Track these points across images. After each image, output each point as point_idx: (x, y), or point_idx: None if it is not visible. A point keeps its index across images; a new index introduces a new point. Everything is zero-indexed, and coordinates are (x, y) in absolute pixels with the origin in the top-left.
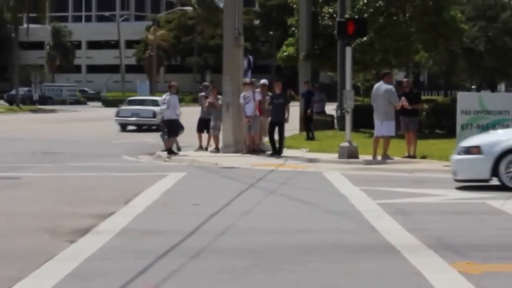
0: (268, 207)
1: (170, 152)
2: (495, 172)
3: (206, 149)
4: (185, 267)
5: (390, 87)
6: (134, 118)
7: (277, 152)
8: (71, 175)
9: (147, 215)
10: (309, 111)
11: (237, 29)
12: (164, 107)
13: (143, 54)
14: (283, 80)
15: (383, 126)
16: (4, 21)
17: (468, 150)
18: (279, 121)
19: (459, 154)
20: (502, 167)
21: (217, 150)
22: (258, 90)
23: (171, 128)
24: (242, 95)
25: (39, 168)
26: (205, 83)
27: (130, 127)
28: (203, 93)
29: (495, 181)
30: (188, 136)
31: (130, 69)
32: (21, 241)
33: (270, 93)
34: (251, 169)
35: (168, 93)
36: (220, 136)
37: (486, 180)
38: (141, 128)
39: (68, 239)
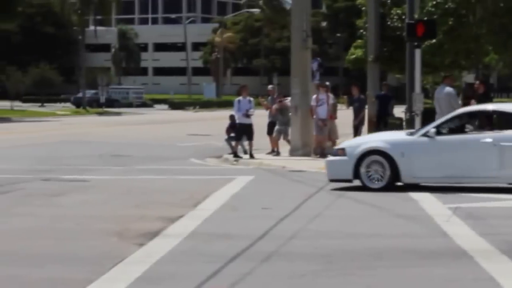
0: (337, 210)
1: (236, 155)
2: (356, 173)
3: (279, 153)
4: (255, 271)
5: (451, 89)
6: None
7: None
8: (139, 178)
9: (216, 219)
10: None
11: (305, 31)
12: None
13: (210, 57)
14: (354, 83)
15: None
16: (71, 23)
17: (336, 152)
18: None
19: (331, 155)
20: (362, 169)
21: (277, 153)
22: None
23: (238, 132)
24: (314, 97)
25: (107, 171)
26: (271, 86)
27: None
28: (274, 96)
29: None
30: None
31: (196, 71)
32: (91, 244)
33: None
34: (319, 172)
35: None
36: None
37: (350, 180)
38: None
39: (137, 242)
